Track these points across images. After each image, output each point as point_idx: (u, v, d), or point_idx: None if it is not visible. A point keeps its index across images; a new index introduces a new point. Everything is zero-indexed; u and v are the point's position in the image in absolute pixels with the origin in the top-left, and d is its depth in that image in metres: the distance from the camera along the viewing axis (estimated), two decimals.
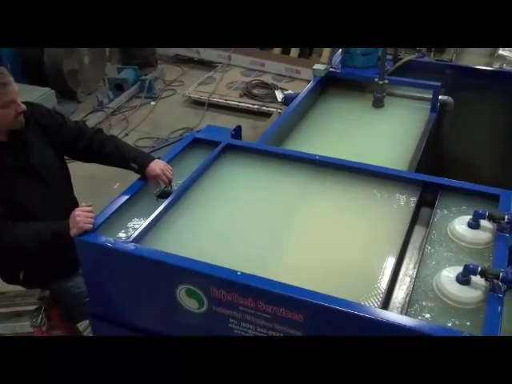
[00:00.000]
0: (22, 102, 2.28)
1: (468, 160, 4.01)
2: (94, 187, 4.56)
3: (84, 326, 2.98)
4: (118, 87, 6.60)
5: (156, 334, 2.19)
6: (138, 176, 2.43)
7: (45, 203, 2.28)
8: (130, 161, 2.39)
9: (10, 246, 2.16)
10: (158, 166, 2.36)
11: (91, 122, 5.99)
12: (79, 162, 2.60)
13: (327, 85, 3.82)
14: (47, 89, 5.96)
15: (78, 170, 2.79)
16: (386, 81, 3.47)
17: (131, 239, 2.07)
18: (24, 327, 2.33)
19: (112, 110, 6.29)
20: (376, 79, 3.48)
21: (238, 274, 1.87)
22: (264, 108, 6.06)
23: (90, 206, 2.13)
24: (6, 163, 2.18)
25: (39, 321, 2.31)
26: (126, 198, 2.30)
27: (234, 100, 6.26)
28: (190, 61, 7.51)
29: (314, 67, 3.78)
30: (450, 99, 3.62)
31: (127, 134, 5.86)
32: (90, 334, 2.48)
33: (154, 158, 2.42)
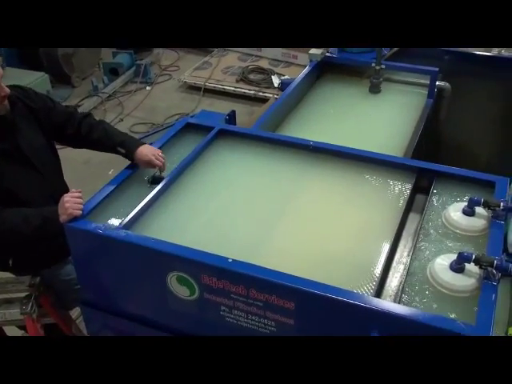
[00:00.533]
0: (11, 86, 2.24)
1: (465, 146, 3.99)
2: (89, 172, 4.53)
3: (77, 314, 2.96)
4: (113, 72, 6.54)
5: (148, 321, 2.17)
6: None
7: (34, 188, 2.24)
8: (117, 145, 2.35)
9: None
10: (148, 150, 2.32)
11: (86, 106, 5.95)
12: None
13: (324, 70, 3.78)
14: (41, 73, 5.92)
15: (73, 155, 2.75)
16: (383, 66, 3.44)
17: (121, 225, 2.05)
18: (14, 314, 2.31)
19: (107, 95, 6.24)
20: (373, 64, 3.44)
21: (229, 260, 1.85)
22: (260, 94, 6.01)
23: (79, 191, 2.09)
24: None
25: (29, 308, 2.28)
26: (116, 183, 2.27)
27: (230, 85, 6.21)
28: None
29: (310, 52, 3.74)
30: (448, 85, 3.60)
31: (122, 120, 5.82)
32: (83, 322, 2.46)
33: (142, 143, 2.39)
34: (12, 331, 2.72)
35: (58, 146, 2.46)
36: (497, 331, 1.79)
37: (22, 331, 2.62)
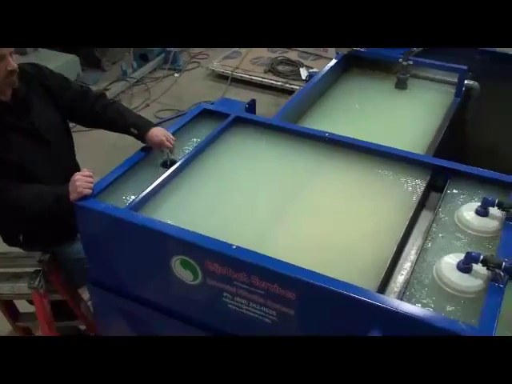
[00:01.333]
0: (27, 64, 2.27)
1: (492, 148, 3.88)
2: (115, 155, 4.57)
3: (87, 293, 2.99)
4: (143, 57, 6.56)
5: (152, 303, 2.18)
6: None
7: (46, 164, 2.26)
8: (130, 126, 2.35)
9: (9, 206, 2.15)
10: (160, 132, 2.33)
11: (114, 91, 6.00)
12: (102, 130, 2.57)
13: (350, 64, 3.73)
14: (72, 55, 5.97)
15: (101, 138, 2.76)
16: (411, 62, 3.37)
17: (130, 206, 2.05)
18: (22, 288, 2.34)
19: (135, 80, 6.26)
20: (400, 60, 3.38)
21: (233, 247, 1.84)
22: (287, 85, 5.96)
23: (90, 171, 2.11)
24: (8, 123, 2.16)
25: (37, 283, 2.31)
26: (128, 165, 2.28)
27: (257, 76, 6.17)
28: None
29: None
30: (477, 84, 3.51)
31: (148, 105, 5.84)
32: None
33: (154, 125, 2.39)
34: (23, 306, 2.78)
35: (83, 129, 2.47)
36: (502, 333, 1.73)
37: (32, 306, 2.65)
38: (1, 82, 2.10)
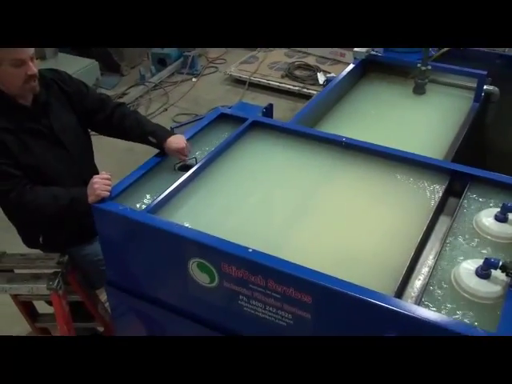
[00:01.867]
0: (47, 69, 2.30)
1: None
2: (132, 160, 4.61)
3: (105, 294, 3.01)
4: (161, 62, 6.61)
5: (169, 305, 2.19)
6: None
7: (64, 168, 2.29)
8: (148, 134, 2.37)
9: (28, 209, 2.18)
10: (178, 139, 2.34)
11: (132, 95, 6.05)
12: None
13: (368, 68, 3.72)
14: (91, 60, 6.05)
15: (117, 143, 2.78)
16: (429, 67, 3.35)
17: (147, 209, 2.07)
18: (40, 289, 2.37)
19: (153, 84, 6.31)
20: (418, 65, 3.36)
21: (250, 250, 1.84)
22: (305, 90, 5.95)
23: (109, 174, 2.13)
24: (27, 127, 2.19)
25: (55, 284, 2.34)
26: (146, 169, 2.30)
27: (275, 80, 6.18)
28: None
29: (355, 49, 3.69)
30: (496, 89, 3.47)
31: (166, 110, 5.88)
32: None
33: (172, 133, 2.41)
34: (41, 307, 2.81)
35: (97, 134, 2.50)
36: None
37: (51, 307, 2.68)
38: (21, 87, 2.13)
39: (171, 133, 2.42)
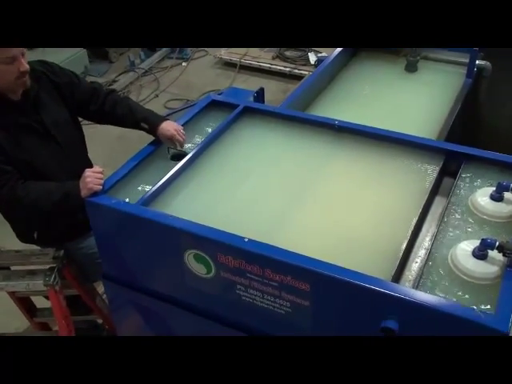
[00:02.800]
0: (37, 61, 2.26)
1: (507, 131, 3.81)
2: (122, 148, 4.58)
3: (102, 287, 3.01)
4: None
5: (166, 297, 2.18)
6: None
7: (56, 163, 2.27)
8: (140, 121, 2.35)
9: (21, 204, 2.16)
10: (170, 126, 2.32)
11: (122, 82, 6.00)
12: None
13: (359, 47, 3.67)
14: (79, 48, 5.96)
15: (107, 131, 2.76)
16: None
17: (141, 201, 2.05)
18: (37, 285, 2.36)
19: (143, 70, 6.25)
20: None
21: (246, 240, 1.83)
22: (296, 71, 5.91)
23: (101, 168, 2.12)
24: (18, 122, 2.16)
25: (52, 279, 2.33)
26: (138, 160, 2.28)
27: (265, 62, 6.13)
28: None
29: None
30: (489, 64, 3.44)
31: (157, 96, 5.83)
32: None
33: (165, 119, 2.39)
34: (40, 301, 2.80)
35: (88, 123, 2.46)
36: None
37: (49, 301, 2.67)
38: (13, 83, 2.10)
39: (164, 118, 2.40)
